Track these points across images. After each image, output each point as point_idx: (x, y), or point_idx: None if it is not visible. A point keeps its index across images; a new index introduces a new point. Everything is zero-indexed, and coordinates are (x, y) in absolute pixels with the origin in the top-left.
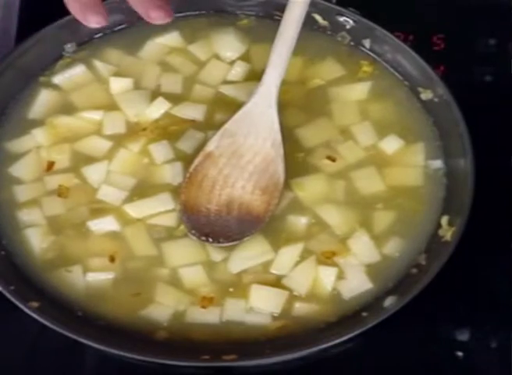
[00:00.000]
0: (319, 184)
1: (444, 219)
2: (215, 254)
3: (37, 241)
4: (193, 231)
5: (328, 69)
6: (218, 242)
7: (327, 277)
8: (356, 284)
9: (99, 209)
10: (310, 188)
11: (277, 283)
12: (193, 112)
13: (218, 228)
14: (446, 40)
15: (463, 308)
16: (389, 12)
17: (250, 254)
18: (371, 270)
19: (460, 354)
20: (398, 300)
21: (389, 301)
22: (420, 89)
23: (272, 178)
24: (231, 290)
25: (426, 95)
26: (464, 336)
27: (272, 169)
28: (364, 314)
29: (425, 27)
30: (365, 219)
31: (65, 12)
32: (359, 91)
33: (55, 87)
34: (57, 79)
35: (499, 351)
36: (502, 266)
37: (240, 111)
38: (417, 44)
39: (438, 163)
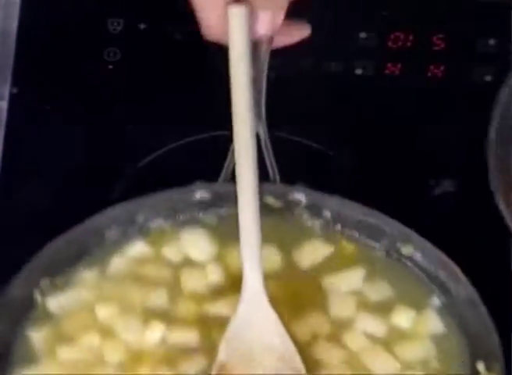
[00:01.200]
0: None
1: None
2: None
3: None
4: None
5: (309, 254)
6: None
7: None
8: None
9: None
10: None
11: None
12: (187, 337)
13: None
14: (446, 40)
15: None
16: (390, 13)
17: None
18: None
19: None
20: None
21: None
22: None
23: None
24: None
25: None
26: None
27: (289, 365)
28: None
29: (425, 27)
30: None
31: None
32: (351, 278)
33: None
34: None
35: None
36: (502, 265)
37: (234, 321)
38: (417, 44)
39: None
